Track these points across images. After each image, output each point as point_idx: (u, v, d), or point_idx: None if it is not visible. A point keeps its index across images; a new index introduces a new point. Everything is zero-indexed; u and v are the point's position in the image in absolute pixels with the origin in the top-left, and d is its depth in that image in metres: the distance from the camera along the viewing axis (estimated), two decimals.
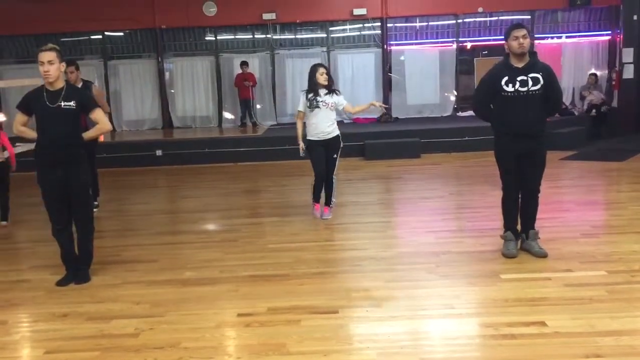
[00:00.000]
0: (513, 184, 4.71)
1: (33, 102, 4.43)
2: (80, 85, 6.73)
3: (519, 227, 4.82)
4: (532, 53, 4.64)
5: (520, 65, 4.51)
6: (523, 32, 4.45)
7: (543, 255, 4.63)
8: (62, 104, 4.35)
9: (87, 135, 4.61)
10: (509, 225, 4.80)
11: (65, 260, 4.65)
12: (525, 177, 4.67)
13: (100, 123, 4.60)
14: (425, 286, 4.18)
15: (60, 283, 4.54)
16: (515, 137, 4.56)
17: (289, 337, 3.43)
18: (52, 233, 4.59)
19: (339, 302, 3.94)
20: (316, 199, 6.39)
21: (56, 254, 4.68)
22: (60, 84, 4.40)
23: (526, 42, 4.43)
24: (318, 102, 6.09)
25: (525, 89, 4.47)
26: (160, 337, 3.51)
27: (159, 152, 10.92)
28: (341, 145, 6.29)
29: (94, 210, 7.00)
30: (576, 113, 12.13)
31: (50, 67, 4.29)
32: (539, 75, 4.47)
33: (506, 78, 4.50)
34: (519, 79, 4.47)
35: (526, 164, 4.63)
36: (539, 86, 4.48)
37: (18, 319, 3.95)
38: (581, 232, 5.29)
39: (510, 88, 4.49)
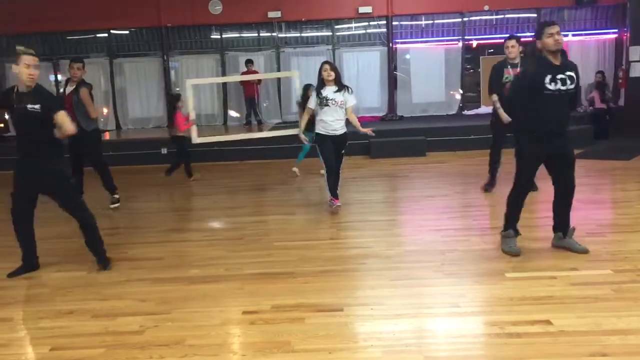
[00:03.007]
0: (530, 183, 4.66)
1: (5, 101, 4.53)
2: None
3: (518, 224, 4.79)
4: (562, 52, 4.55)
5: (557, 62, 4.43)
6: (557, 28, 4.37)
7: (585, 252, 4.59)
8: (28, 106, 4.38)
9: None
10: (513, 222, 4.76)
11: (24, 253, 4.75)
12: (563, 176, 4.59)
13: (64, 125, 4.48)
14: (431, 284, 4.18)
15: (11, 275, 4.65)
16: (548, 136, 4.47)
17: (294, 335, 3.43)
18: (12, 221, 4.65)
19: (344, 300, 3.94)
20: (333, 193, 6.43)
21: (62, 250, 4.70)
22: (31, 87, 4.44)
23: (561, 38, 4.37)
24: (328, 100, 6.23)
25: (565, 87, 4.40)
26: (165, 334, 3.52)
27: (164, 151, 10.93)
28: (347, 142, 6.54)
29: (115, 205, 7.21)
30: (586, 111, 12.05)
31: (35, 72, 4.36)
32: (572, 74, 4.44)
33: (549, 76, 4.38)
34: (559, 77, 4.39)
35: (561, 163, 4.56)
36: (573, 85, 4.43)
37: (23, 316, 3.96)
38: (587, 231, 5.26)
39: (552, 87, 4.38)
